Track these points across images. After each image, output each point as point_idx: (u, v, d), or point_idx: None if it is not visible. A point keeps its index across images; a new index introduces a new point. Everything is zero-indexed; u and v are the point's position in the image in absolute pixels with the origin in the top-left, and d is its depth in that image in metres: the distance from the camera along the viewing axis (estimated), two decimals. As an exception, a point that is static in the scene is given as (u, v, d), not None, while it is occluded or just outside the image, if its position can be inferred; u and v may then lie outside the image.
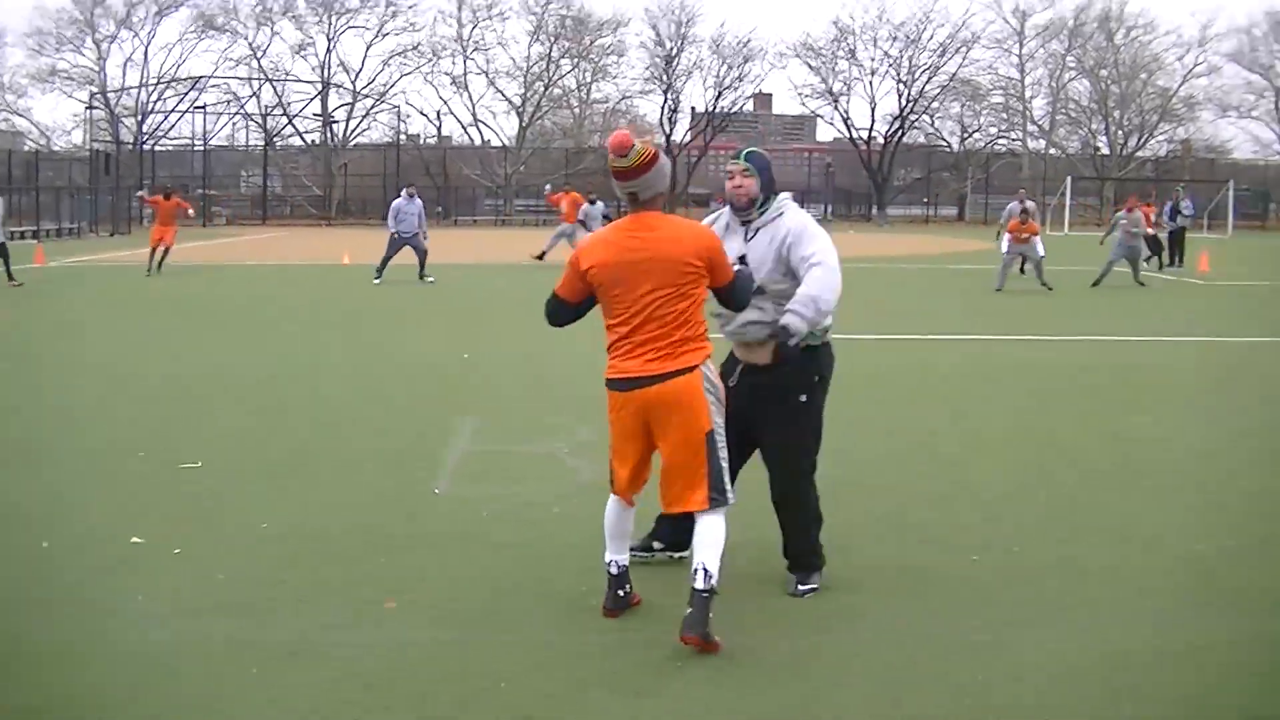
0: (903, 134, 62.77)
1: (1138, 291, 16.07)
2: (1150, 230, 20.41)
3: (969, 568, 4.30)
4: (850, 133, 62.66)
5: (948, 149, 66.07)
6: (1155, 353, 10.03)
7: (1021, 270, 18.55)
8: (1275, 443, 6.46)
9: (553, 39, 57.29)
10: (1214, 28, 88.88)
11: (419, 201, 16.20)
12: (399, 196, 16.28)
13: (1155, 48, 63.02)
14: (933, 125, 65.42)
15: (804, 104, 63.75)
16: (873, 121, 62.45)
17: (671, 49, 61.16)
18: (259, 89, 50.90)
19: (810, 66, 61.54)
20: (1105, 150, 63.36)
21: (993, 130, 65.55)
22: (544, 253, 19.79)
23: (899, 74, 60.75)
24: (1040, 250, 16.47)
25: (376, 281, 15.52)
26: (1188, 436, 6.65)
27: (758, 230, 3.73)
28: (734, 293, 3.46)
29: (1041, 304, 14.38)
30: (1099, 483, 5.49)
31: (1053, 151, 63.43)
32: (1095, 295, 15.50)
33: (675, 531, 3.94)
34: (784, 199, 3.82)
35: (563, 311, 3.49)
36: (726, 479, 3.40)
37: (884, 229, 52.70)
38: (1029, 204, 18.50)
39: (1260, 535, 4.73)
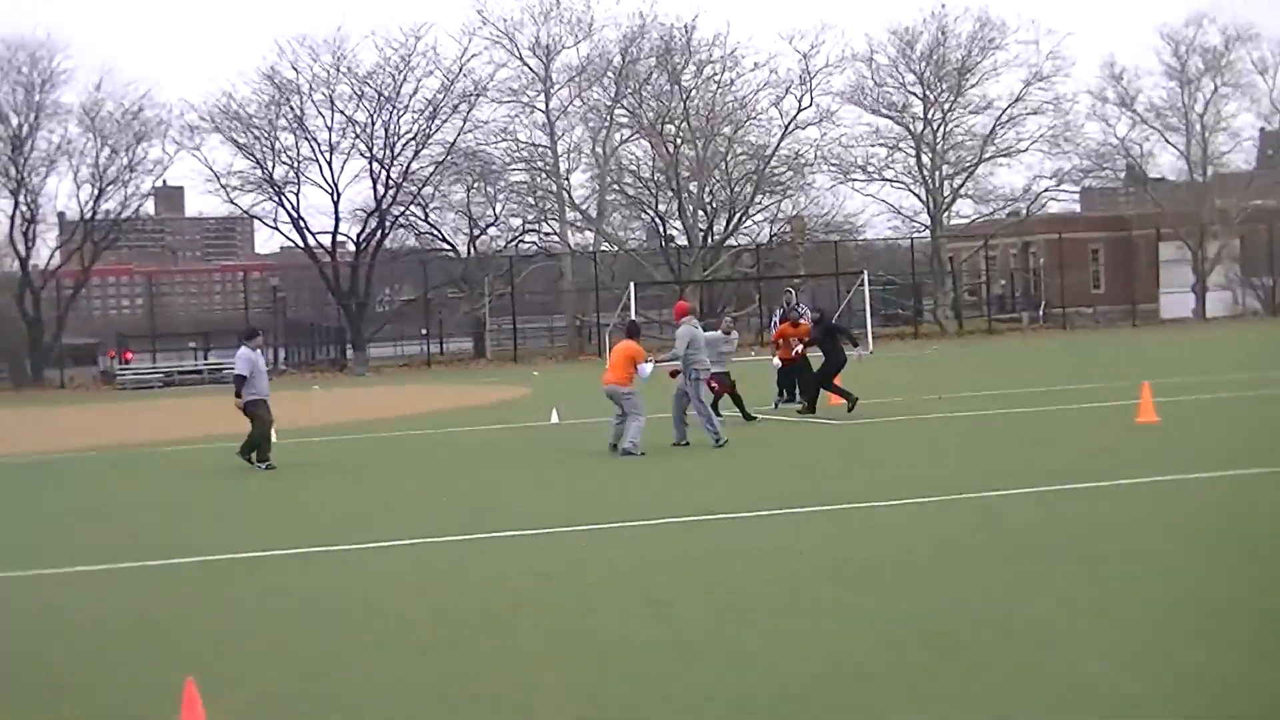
0: (383, 235, 63.21)
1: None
2: (778, 361, 25.69)
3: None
4: (305, 239, 62.52)
5: (452, 254, 67.99)
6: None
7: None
8: None
9: None
10: (820, 56, 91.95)
11: None
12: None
13: (740, 90, 71.14)
14: (427, 220, 67.33)
15: (232, 200, 62.05)
16: (337, 221, 62.55)
17: (21, 126, 60.64)
18: None
19: (238, 144, 60.36)
20: (683, 240, 67.27)
21: (516, 222, 68.88)
22: None
23: (371, 148, 61.57)
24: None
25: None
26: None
27: None
28: None
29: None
30: None
31: (606, 248, 66.23)
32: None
33: None
34: None
35: None
36: None
37: (363, 379, 51.86)
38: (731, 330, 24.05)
39: None
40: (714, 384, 20.58)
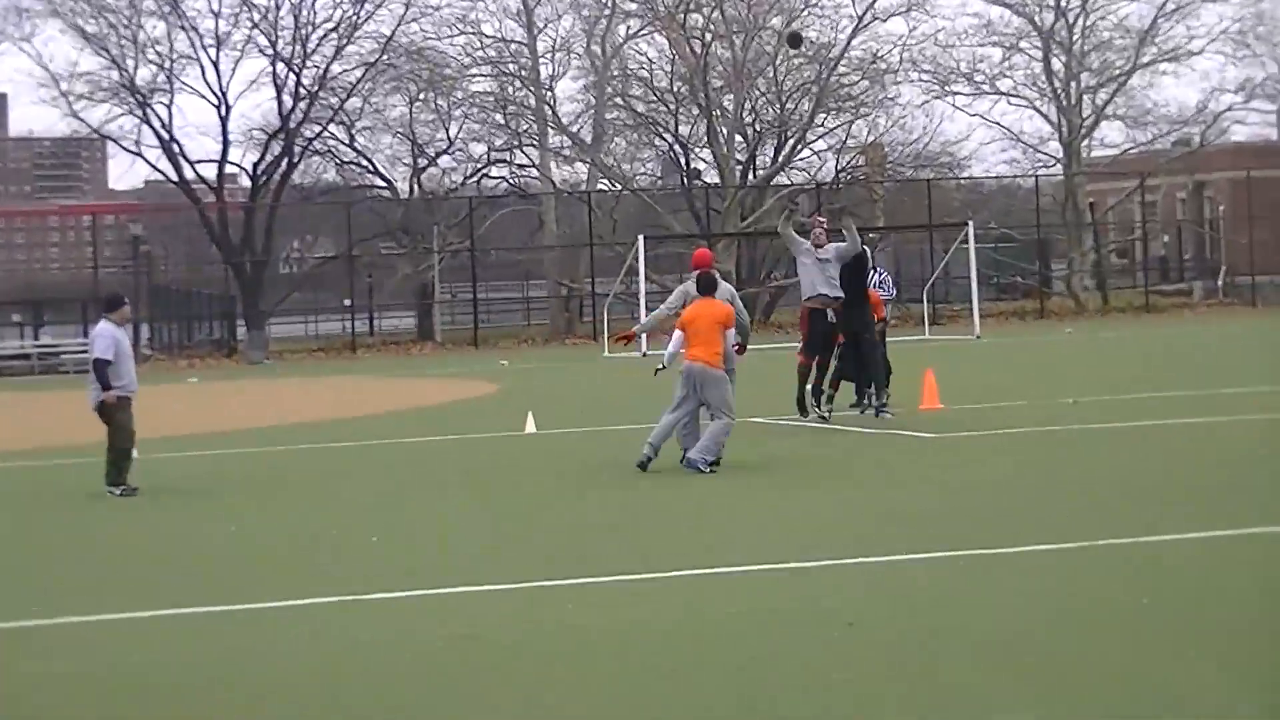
0: (290, 167, 63.61)
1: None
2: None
3: None
4: (180, 170, 65.68)
5: (388, 193, 71.55)
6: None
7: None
8: None
9: None
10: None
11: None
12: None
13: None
14: (353, 146, 70.48)
15: (76, 114, 62.21)
16: (225, 145, 66.32)
17: None
18: None
19: (85, 34, 60.99)
20: (713, 176, 67.91)
21: (479, 150, 72.36)
22: None
23: (275, 42, 65.53)
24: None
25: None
26: None
27: None
28: None
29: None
30: None
31: (605, 187, 66.72)
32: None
33: None
34: None
35: None
36: None
37: (261, 369, 54.01)
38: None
39: None
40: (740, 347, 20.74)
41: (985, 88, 71.96)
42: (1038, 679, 8.96)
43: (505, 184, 70.38)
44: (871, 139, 72.24)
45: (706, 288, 19.87)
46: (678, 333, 19.72)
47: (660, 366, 20.26)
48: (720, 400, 19.27)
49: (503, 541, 14.95)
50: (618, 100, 69.31)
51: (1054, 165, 72.44)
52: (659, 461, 19.04)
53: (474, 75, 68.14)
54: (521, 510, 16.97)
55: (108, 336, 19.55)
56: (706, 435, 19.21)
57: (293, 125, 64.39)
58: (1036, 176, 72.54)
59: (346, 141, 67.86)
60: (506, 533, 15.43)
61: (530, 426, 25.43)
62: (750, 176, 69.27)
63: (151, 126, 63.94)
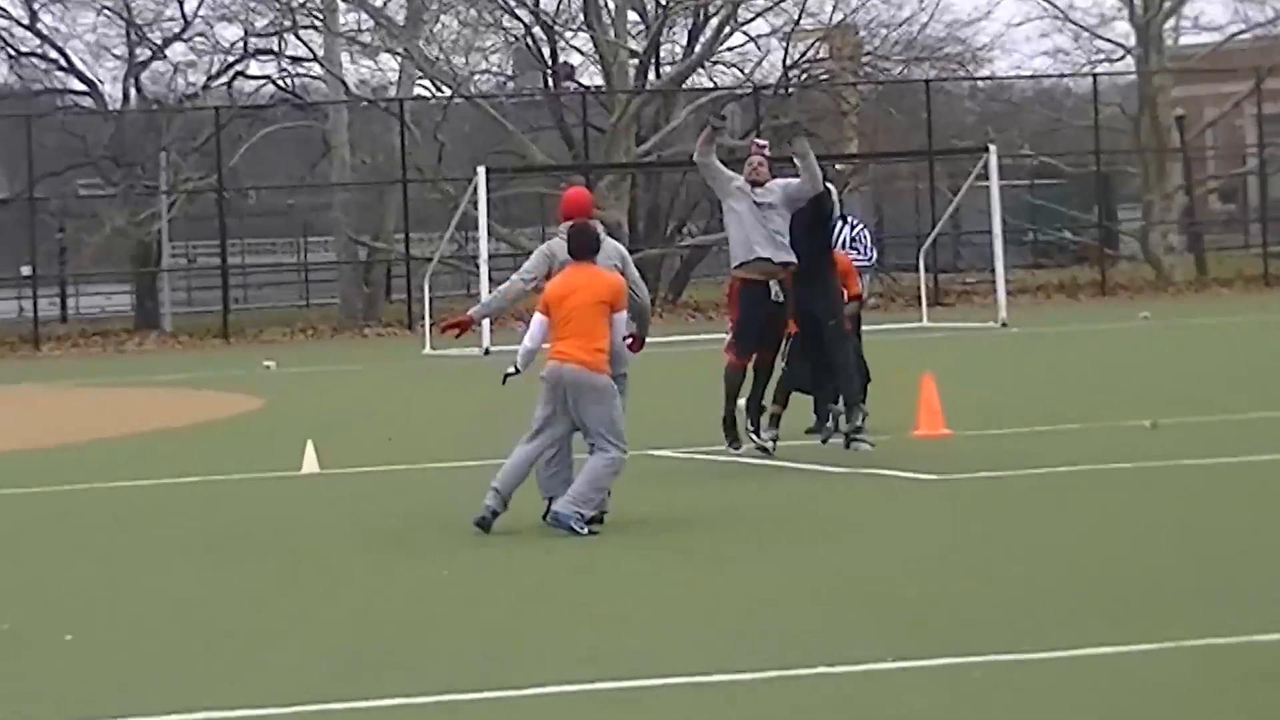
0: None
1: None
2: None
3: None
4: None
5: (91, 101, 71.31)
6: None
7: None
8: None
9: None
10: None
11: None
12: None
13: None
14: (34, 28, 68.27)
15: None
16: None
17: None
18: None
19: None
20: (594, 76, 68.84)
21: (229, 35, 72.20)
22: None
23: None
24: None
25: None
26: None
27: None
28: None
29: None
30: None
31: (426, 91, 67.40)
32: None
33: None
34: None
35: None
36: None
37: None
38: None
39: None
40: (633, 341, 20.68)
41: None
42: None
43: (272, 88, 70.60)
44: (839, 18, 72.67)
45: (582, 248, 19.81)
46: (539, 317, 19.57)
47: (511, 371, 19.73)
48: (604, 422, 19.18)
49: (263, 645, 14.85)
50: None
51: (1122, 58, 72.96)
52: (510, 516, 19.05)
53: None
54: (295, 595, 16.96)
55: None
56: (583, 477, 19.14)
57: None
58: (1095, 76, 73.07)
59: (24, 21, 67.91)
60: (270, 631, 15.38)
61: (310, 463, 25.42)
62: (652, 76, 69.78)
63: None
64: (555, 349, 19.14)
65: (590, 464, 18.95)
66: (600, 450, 18.92)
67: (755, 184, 23.53)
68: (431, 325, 47.42)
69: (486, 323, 35.68)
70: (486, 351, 40.39)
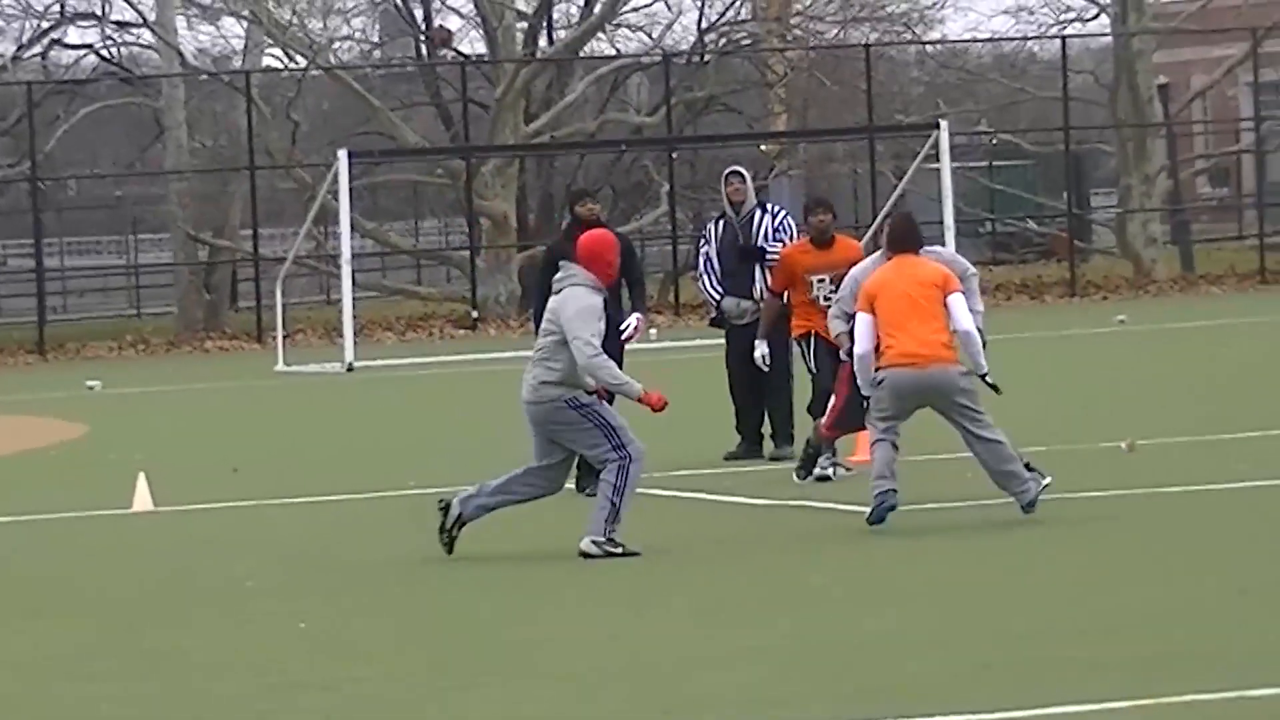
0: None
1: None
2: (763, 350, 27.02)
3: None
4: None
5: None
6: None
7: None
8: None
9: None
10: None
11: None
12: None
13: None
14: None
15: None
16: None
17: None
18: None
19: None
20: (476, 43, 69.26)
21: None
22: None
23: None
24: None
25: None
26: None
27: None
28: None
29: None
30: None
31: (276, 62, 67.63)
32: None
33: None
34: None
35: None
36: None
37: None
38: None
39: None
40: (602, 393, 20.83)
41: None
42: None
43: (94, 59, 70.64)
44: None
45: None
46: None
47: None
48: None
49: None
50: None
51: (1095, 17, 73.42)
52: (408, 549, 18.98)
53: None
54: (118, 658, 16.82)
55: None
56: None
57: None
58: (1064, 39, 73.39)
59: None
60: (90, 698, 15.09)
61: (143, 499, 25.42)
62: (544, 42, 70.29)
63: None
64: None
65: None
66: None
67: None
68: (285, 337, 47.46)
69: (350, 333, 35.77)
70: (350, 368, 40.46)
